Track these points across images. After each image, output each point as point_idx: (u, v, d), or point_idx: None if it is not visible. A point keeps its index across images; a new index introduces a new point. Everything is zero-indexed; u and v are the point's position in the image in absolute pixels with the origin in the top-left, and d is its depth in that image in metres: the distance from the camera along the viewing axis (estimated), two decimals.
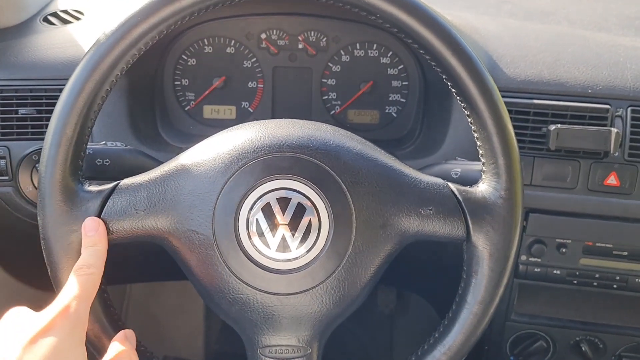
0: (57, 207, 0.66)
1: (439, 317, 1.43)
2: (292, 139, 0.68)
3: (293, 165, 0.67)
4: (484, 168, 0.71)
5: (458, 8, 1.21)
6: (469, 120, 0.71)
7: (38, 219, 0.67)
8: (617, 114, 0.95)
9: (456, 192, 0.71)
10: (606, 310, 1.09)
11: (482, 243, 0.70)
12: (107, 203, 0.67)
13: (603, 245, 1.00)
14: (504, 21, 1.15)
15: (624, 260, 1.01)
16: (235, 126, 0.73)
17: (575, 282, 1.04)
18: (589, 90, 0.97)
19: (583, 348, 1.10)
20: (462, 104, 0.71)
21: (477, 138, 0.71)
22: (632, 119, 0.95)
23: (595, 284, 1.04)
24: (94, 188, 0.68)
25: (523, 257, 1.02)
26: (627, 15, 1.23)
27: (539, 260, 1.02)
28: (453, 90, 0.70)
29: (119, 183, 0.69)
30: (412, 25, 0.67)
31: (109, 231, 0.67)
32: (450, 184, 0.72)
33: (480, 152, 0.71)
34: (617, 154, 0.95)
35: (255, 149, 0.67)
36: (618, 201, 0.96)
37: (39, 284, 1.24)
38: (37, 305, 1.28)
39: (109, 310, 0.69)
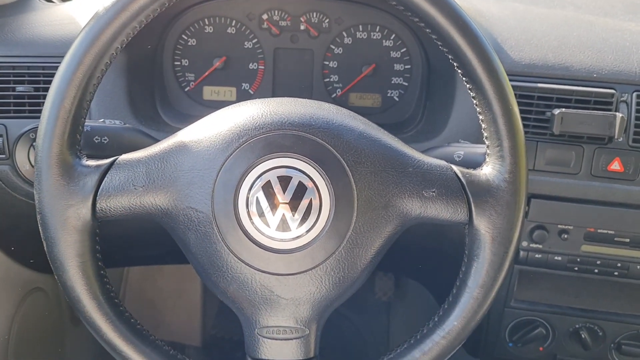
0: (54, 182, 0.64)
1: (437, 304, 1.43)
2: (294, 116, 0.67)
3: (295, 144, 0.66)
4: (488, 151, 0.70)
5: None
6: (475, 101, 0.69)
7: (34, 193, 0.65)
8: (622, 99, 0.94)
9: (459, 175, 0.70)
10: (606, 298, 1.09)
11: (484, 226, 0.69)
12: (105, 178, 0.66)
13: (605, 231, 1.00)
14: (509, 4, 1.14)
15: (626, 247, 1.01)
16: (237, 103, 0.71)
17: (576, 268, 1.03)
18: (594, 75, 0.95)
19: (582, 335, 1.09)
20: (468, 85, 0.69)
21: (482, 120, 0.70)
22: (638, 104, 0.94)
23: (596, 271, 1.03)
24: (92, 163, 0.67)
25: (524, 243, 1.02)
26: (633, 0, 1.21)
27: (540, 246, 1.01)
28: (459, 70, 0.69)
29: (117, 158, 0.67)
30: (418, 3, 0.66)
31: (106, 208, 0.66)
32: (453, 167, 0.71)
33: (485, 134, 0.70)
34: (621, 139, 0.94)
35: (257, 126, 0.66)
36: (621, 187, 0.96)
37: (35, 265, 1.23)
38: (34, 286, 1.28)
39: (106, 288, 0.68)
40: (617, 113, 0.91)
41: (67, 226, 0.65)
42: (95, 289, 0.67)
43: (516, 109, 0.69)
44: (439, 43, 0.68)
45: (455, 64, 0.69)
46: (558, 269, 1.04)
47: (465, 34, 0.66)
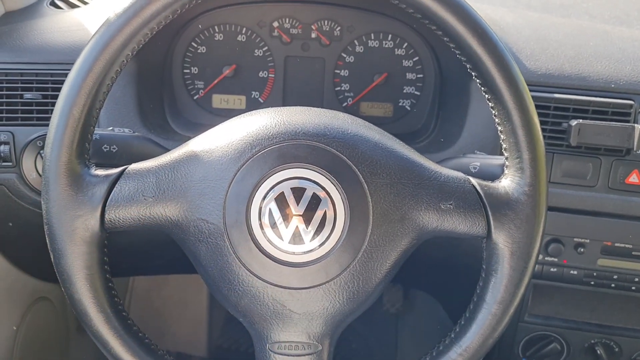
0: (62, 192, 0.63)
1: (447, 317, 1.41)
2: (308, 126, 0.66)
3: (309, 154, 0.64)
4: (507, 162, 0.69)
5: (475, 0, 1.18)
6: (493, 112, 0.68)
7: (42, 203, 0.64)
8: None
9: (477, 187, 0.68)
10: (623, 313, 1.06)
11: (503, 240, 0.67)
12: (114, 188, 0.64)
13: (622, 245, 0.97)
14: (523, 13, 1.12)
15: None
16: (249, 112, 0.70)
17: (592, 283, 1.01)
18: (612, 85, 0.94)
19: (598, 351, 1.07)
20: (486, 95, 0.68)
21: (500, 131, 0.68)
22: None
23: (613, 285, 1.01)
24: (100, 172, 0.65)
25: (539, 257, 0.99)
26: None
27: (556, 259, 0.99)
28: (477, 80, 0.67)
29: (126, 168, 0.66)
30: (436, 11, 0.64)
31: (115, 219, 0.64)
32: (471, 178, 0.69)
33: (504, 145, 0.68)
34: (639, 151, 0.92)
35: (270, 136, 0.65)
36: None
37: (41, 274, 1.21)
38: (39, 296, 1.26)
39: (114, 301, 0.67)
40: (635, 124, 0.89)
41: (75, 237, 0.63)
42: (102, 302, 0.65)
43: (536, 120, 0.67)
44: (457, 52, 0.67)
45: (473, 73, 0.67)
46: (574, 283, 1.02)
47: (484, 43, 0.65)
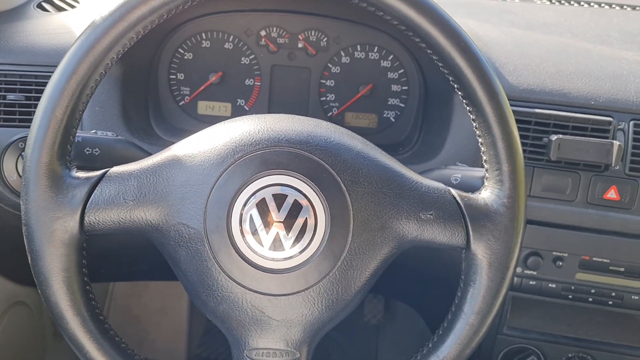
0: (41, 193, 0.62)
1: (427, 328, 1.41)
2: (291, 134, 0.66)
3: (291, 161, 0.64)
4: (487, 174, 0.69)
5: (460, 15, 1.20)
6: (474, 124, 0.69)
7: (21, 204, 0.63)
8: (619, 127, 0.94)
9: (457, 198, 0.69)
10: (600, 327, 1.07)
11: (481, 251, 0.68)
12: (95, 191, 0.64)
13: (600, 260, 0.99)
14: (507, 30, 1.14)
15: (621, 276, 1.00)
16: (233, 118, 0.70)
17: (570, 296, 1.02)
18: (592, 102, 0.95)
19: None
20: (468, 108, 0.69)
21: (481, 143, 0.69)
22: (635, 132, 0.94)
23: (590, 299, 1.02)
24: (81, 174, 0.65)
25: (518, 270, 1.00)
26: (629, 30, 1.22)
27: (535, 273, 1.00)
28: (459, 92, 0.68)
29: (108, 171, 0.66)
30: (420, 23, 0.65)
31: (95, 221, 0.64)
32: (451, 189, 0.70)
33: (484, 157, 0.69)
34: (618, 167, 0.93)
35: (253, 142, 0.65)
36: (617, 216, 0.95)
37: (18, 277, 1.20)
38: (16, 300, 1.24)
39: (91, 305, 0.66)
40: (614, 141, 0.91)
41: (53, 239, 0.63)
42: (79, 305, 0.65)
43: (516, 133, 0.68)
44: (440, 64, 0.68)
45: (455, 85, 0.68)
46: (552, 297, 1.02)
47: (466, 56, 0.66)
